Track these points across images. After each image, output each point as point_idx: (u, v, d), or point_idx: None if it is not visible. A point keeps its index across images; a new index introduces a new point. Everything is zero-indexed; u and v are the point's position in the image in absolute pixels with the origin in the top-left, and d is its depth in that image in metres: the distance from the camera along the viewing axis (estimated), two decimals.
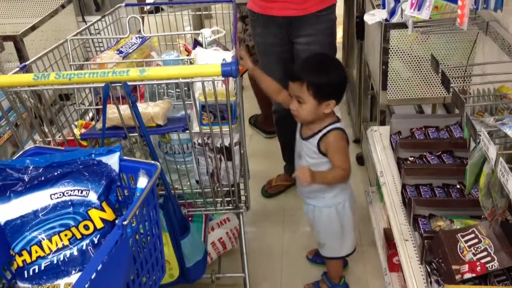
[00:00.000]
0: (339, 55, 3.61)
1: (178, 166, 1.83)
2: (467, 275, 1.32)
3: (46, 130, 1.69)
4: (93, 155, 1.29)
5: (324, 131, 1.85)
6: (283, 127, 2.62)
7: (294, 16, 2.29)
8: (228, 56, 1.69)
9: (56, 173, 1.25)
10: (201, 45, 1.99)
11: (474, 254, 1.36)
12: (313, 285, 2.27)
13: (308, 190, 1.99)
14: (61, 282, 1.18)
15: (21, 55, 2.35)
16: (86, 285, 0.99)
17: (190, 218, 2.08)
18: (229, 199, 1.97)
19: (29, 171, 1.25)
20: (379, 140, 2.16)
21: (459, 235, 1.44)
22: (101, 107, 1.82)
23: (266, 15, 2.35)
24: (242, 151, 1.82)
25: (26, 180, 1.24)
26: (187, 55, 2.13)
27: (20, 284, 1.20)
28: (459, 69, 1.91)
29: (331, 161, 1.87)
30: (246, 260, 2.09)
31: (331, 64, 1.86)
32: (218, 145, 1.72)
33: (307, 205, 2.04)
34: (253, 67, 1.97)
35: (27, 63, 1.66)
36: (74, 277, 1.18)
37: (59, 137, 1.67)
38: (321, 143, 1.86)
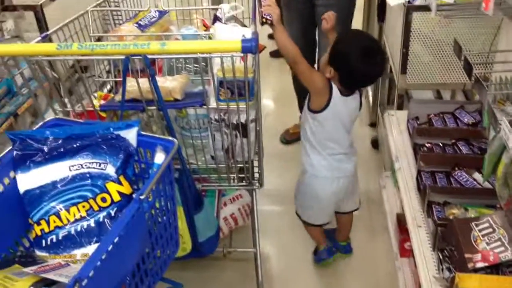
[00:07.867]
0: None
1: (194, 141, 1.83)
2: (480, 264, 1.32)
3: (66, 100, 1.69)
4: (111, 129, 1.30)
5: None
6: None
7: None
8: (248, 32, 1.67)
9: (75, 145, 1.26)
10: (220, 20, 1.98)
11: (488, 244, 1.35)
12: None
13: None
14: (78, 252, 1.21)
15: (41, 25, 2.34)
16: (103, 256, 1.01)
17: (203, 193, 2.10)
18: (243, 175, 1.97)
19: (49, 142, 1.26)
20: (395, 124, 2.15)
21: (473, 223, 1.43)
22: (119, 79, 1.83)
23: None
24: (257, 128, 1.81)
25: (46, 151, 1.26)
26: (205, 30, 2.12)
27: (38, 252, 1.23)
28: (481, 55, 1.87)
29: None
30: (258, 235, 2.11)
31: None
32: (234, 122, 1.72)
33: (346, 177, 2.06)
34: (278, 18, 1.77)
35: (49, 32, 1.67)
36: (90, 248, 1.20)
37: (79, 107, 1.68)
38: None
